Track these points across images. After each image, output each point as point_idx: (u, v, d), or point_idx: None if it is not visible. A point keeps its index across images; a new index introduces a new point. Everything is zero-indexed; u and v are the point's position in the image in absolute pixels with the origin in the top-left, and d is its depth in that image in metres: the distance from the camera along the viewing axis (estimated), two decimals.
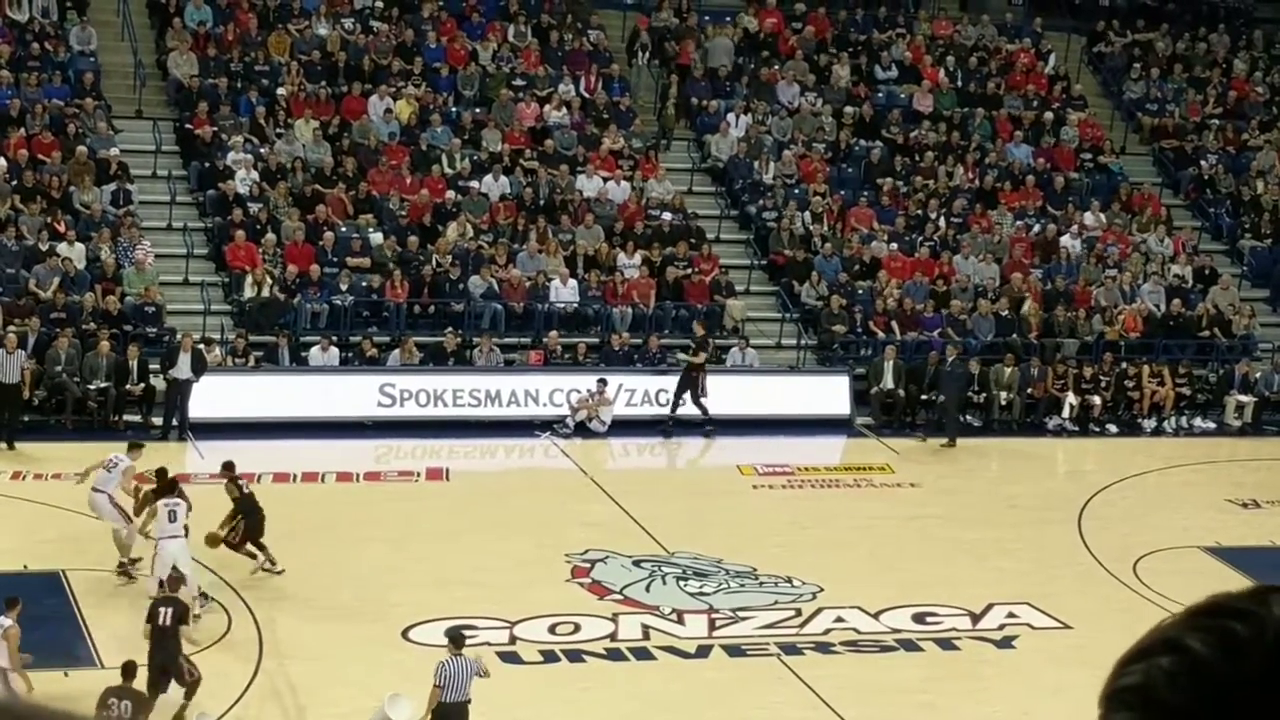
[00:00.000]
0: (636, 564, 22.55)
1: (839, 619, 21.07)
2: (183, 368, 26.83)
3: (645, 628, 20.56)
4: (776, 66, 37.35)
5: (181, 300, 29.95)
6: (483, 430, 28.69)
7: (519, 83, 35.35)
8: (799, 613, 21.27)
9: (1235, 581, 22.68)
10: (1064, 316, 33.19)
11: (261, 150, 32.26)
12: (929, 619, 21.26)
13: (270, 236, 30.44)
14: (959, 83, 38.38)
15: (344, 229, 31.25)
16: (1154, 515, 26.47)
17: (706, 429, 29.23)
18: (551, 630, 20.17)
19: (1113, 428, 31.65)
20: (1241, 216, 37.54)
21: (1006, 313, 32.93)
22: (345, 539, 22.52)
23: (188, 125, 32.47)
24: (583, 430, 28.89)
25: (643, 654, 19.86)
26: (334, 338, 29.36)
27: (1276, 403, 32.89)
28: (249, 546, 21.05)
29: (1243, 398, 32.45)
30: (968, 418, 31.15)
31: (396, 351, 29.41)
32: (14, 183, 30.28)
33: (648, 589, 21.79)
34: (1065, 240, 35.04)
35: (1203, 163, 38.27)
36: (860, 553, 23.71)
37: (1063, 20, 41.28)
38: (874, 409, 30.52)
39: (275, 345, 28.91)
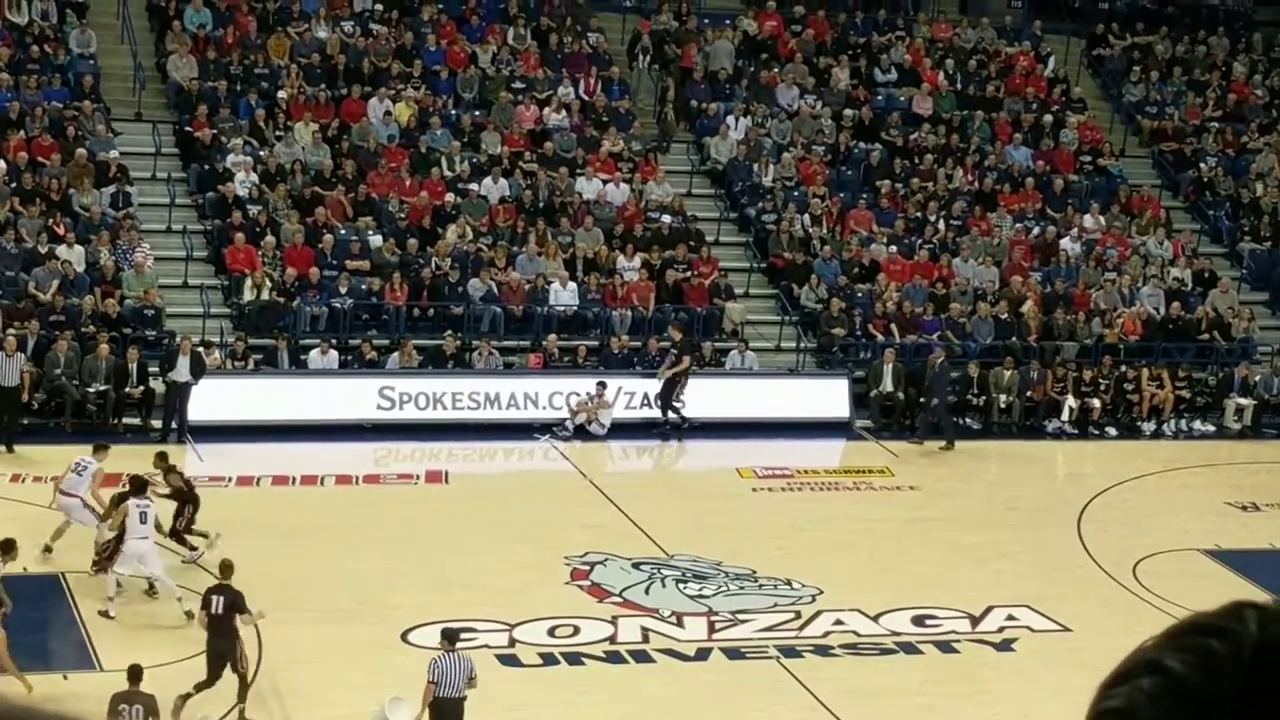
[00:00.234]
0: (636, 566, 22.55)
1: (838, 622, 21.06)
2: (182, 370, 26.83)
3: (645, 630, 20.56)
4: (776, 69, 37.36)
5: (181, 303, 29.95)
6: (482, 433, 28.68)
7: (518, 85, 35.36)
8: (798, 615, 21.27)
9: (1235, 584, 22.72)
10: (1063, 319, 33.19)
11: (261, 153, 32.26)
12: (928, 622, 21.26)
13: (270, 239, 30.43)
14: (958, 85, 38.38)
15: (343, 231, 31.26)
16: (1153, 518, 26.47)
17: (666, 428, 29.15)
18: (551, 633, 20.17)
19: (1112, 431, 31.66)
20: (1241, 219, 37.55)
21: (1006, 315, 32.93)
22: (345, 542, 22.51)
23: (187, 128, 32.47)
24: (582, 433, 28.88)
25: (642, 657, 19.86)
26: (333, 340, 29.35)
27: (1276, 406, 32.88)
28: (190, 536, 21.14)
29: (1242, 401, 32.45)
30: (966, 420, 31.18)
31: (396, 354, 29.41)
32: (13, 185, 30.27)
33: (647, 591, 21.80)
34: (1064, 243, 35.04)
35: (1202, 165, 38.28)
36: (860, 555, 23.71)
37: (1062, 23, 41.31)
38: (873, 412, 30.52)
39: (275, 348, 28.91)
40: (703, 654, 20.02)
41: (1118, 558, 24.01)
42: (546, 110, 34.92)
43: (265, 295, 29.67)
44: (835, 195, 34.81)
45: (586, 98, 35.60)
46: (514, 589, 21.21)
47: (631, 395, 29.51)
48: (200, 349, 27.64)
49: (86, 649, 18.85)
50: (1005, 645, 20.84)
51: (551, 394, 29.28)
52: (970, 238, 34.45)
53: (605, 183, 33.71)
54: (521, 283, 31.01)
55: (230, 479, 25.41)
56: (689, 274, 32.23)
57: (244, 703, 17.47)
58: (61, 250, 29.18)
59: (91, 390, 27.25)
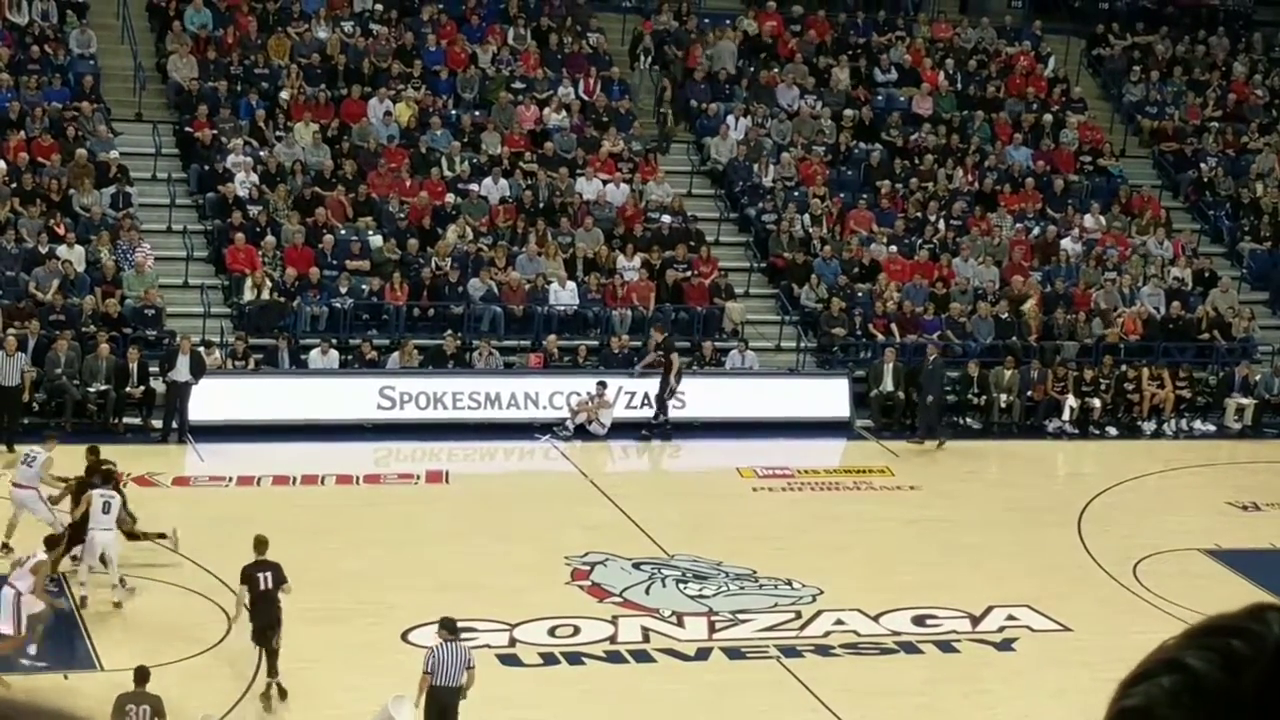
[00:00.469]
0: (636, 566, 22.56)
1: (839, 621, 21.07)
2: (181, 370, 26.84)
3: (645, 630, 20.57)
4: (776, 69, 37.36)
5: (181, 303, 29.95)
6: (482, 433, 28.69)
7: (518, 85, 35.36)
8: (799, 615, 21.27)
9: (1235, 584, 22.72)
10: (1064, 319, 33.20)
11: (261, 153, 32.27)
12: (929, 621, 21.27)
13: (270, 239, 30.43)
14: (958, 85, 38.39)
15: (343, 232, 31.26)
16: (1154, 518, 26.47)
17: (644, 431, 29.16)
18: (551, 633, 20.17)
19: (1112, 430, 31.66)
20: (1241, 219, 37.55)
21: (1006, 315, 32.94)
22: (345, 541, 22.51)
23: (187, 128, 32.47)
24: (582, 433, 28.89)
25: (642, 656, 19.86)
26: (334, 340, 29.35)
27: (1276, 405, 32.89)
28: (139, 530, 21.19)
29: (1242, 400, 32.47)
30: (966, 420, 31.20)
31: (396, 354, 29.42)
32: (14, 185, 30.28)
33: (647, 591, 21.80)
34: (1065, 243, 35.05)
35: (1202, 165, 38.28)
36: (860, 555, 23.71)
37: (1062, 23, 41.31)
38: (874, 412, 30.53)
39: (275, 348, 28.92)
40: (703, 654, 20.03)
41: (1118, 557, 24.01)
42: (546, 110, 34.93)
43: (265, 295, 29.67)
44: (835, 195, 34.81)
45: (586, 98, 35.60)
46: (514, 589, 21.21)
47: (632, 395, 29.51)
48: (200, 349, 27.66)
49: (87, 648, 18.84)
50: (1006, 645, 20.84)
51: (552, 394, 29.28)
52: (970, 238, 34.45)
53: (605, 183, 33.71)
54: (522, 283, 31.01)
55: (231, 479, 25.43)
56: (689, 274, 32.23)
57: (278, 676, 17.81)
58: (62, 250, 29.19)
59: (92, 390, 27.25)
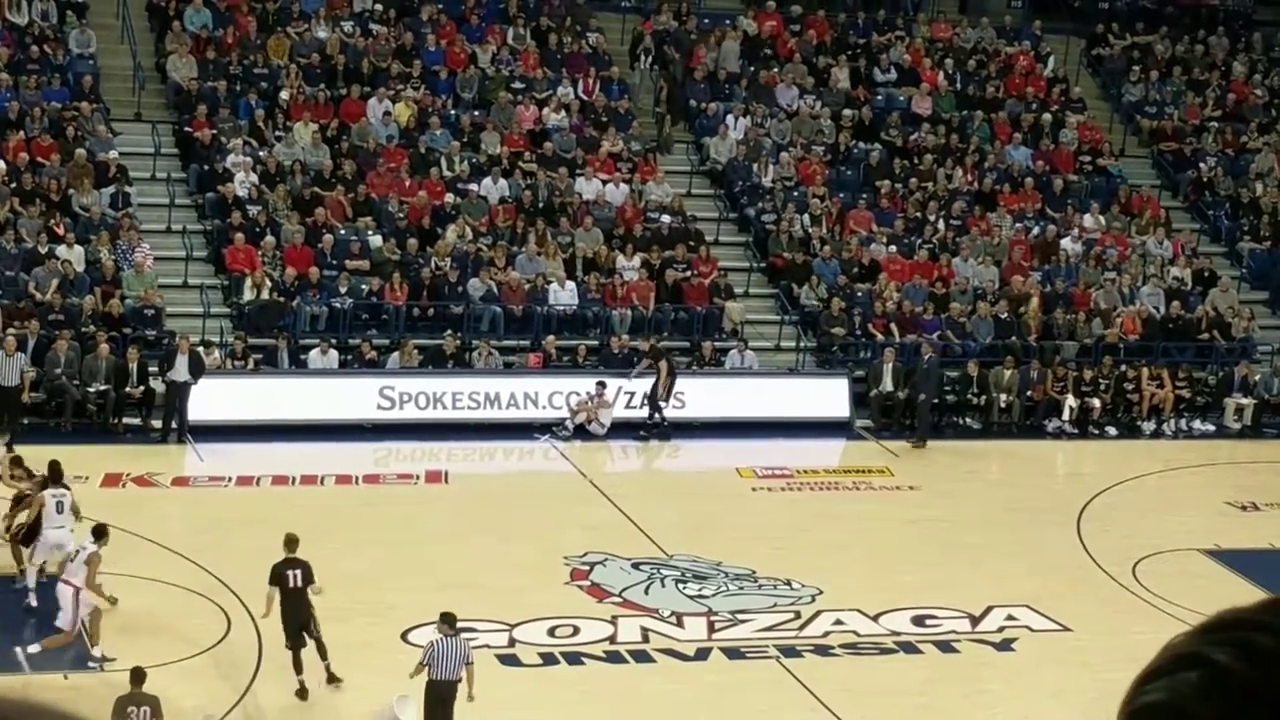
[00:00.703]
0: (636, 567, 22.55)
1: (838, 621, 21.06)
2: (180, 370, 26.84)
3: (644, 630, 20.56)
4: (775, 69, 37.37)
5: (181, 303, 29.96)
6: (482, 433, 28.69)
7: (518, 85, 35.37)
8: (798, 615, 21.27)
9: (1234, 584, 22.72)
10: (1063, 319, 33.20)
11: (260, 153, 32.27)
12: (928, 621, 21.26)
13: (269, 239, 30.44)
14: (958, 85, 38.39)
15: (343, 231, 31.26)
16: (1153, 518, 26.47)
17: (642, 432, 29.16)
18: (550, 633, 20.16)
19: (1112, 430, 31.66)
20: (1240, 219, 37.56)
21: (1006, 315, 32.94)
22: (344, 542, 22.48)
23: (187, 128, 32.48)
24: (582, 433, 28.89)
25: (642, 657, 19.86)
26: (333, 340, 29.36)
27: (1276, 405, 32.89)
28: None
29: (1242, 400, 32.47)
30: (966, 420, 31.22)
31: (396, 354, 29.42)
32: (13, 185, 30.28)
33: (647, 591, 21.80)
34: (1064, 243, 35.06)
35: (1202, 165, 38.29)
36: (859, 555, 23.71)
37: (1062, 23, 41.32)
38: (873, 411, 30.53)
39: (274, 348, 28.92)
40: (702, 654, 20.02)
41: (1118, 557, 24.01)
42: (546, 110, 34.93)
43: (265, 295, 29.67)
44: (835, 195, 34.82)
45: (586, 98, 35.61)
46: (514, 589, 21.21)
47: (631, 395, 29.51)
48: (200, 349, 27.66)
49: (86, 649, 18.83)
50: (1005, 645, 20.83)
51: (551, 394, 29.28)
52: (970, 238, 34.46)
53: (605, 183, 33.72)
54: (521, 282, 31.01)
55: (230, 479, 25.43)
56: (689, 274, 32.24)
57: (328, 659, 18.08)
58: (61, 250, 29.19)
59: (91, 390, 27.26)
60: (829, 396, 30.78)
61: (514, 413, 29.05)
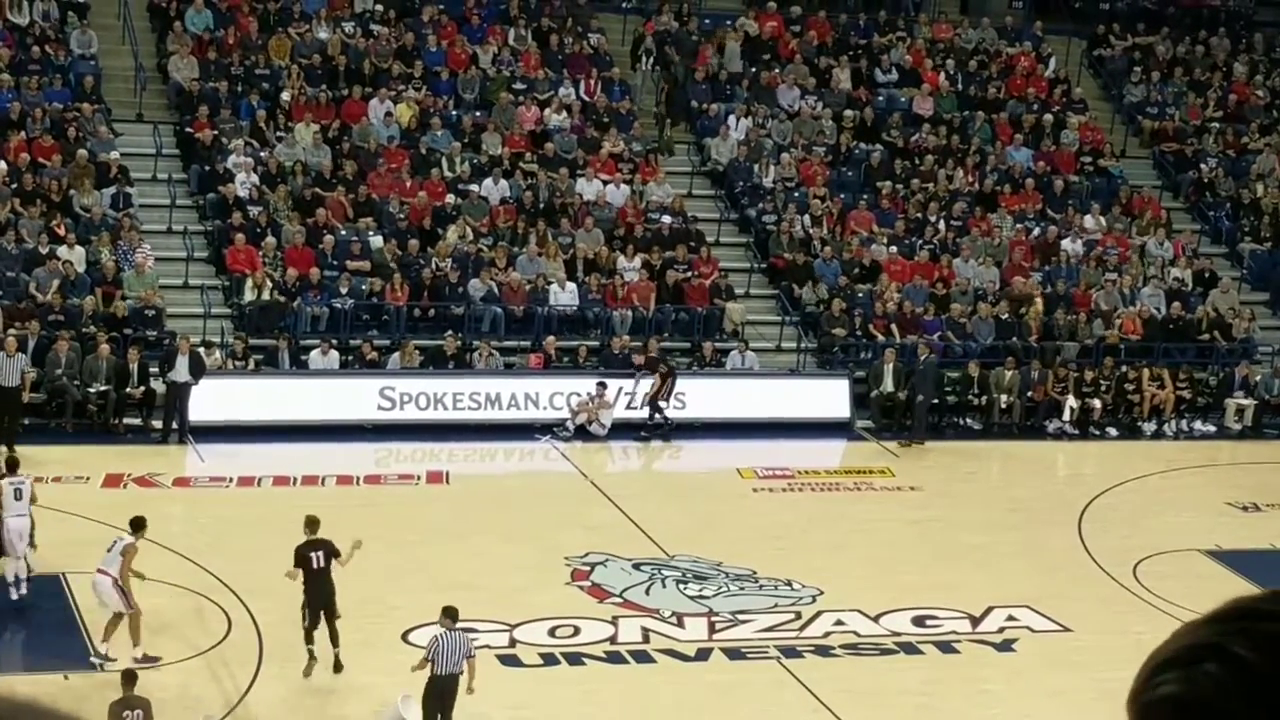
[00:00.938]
0: (636, 567, 22.56)
1: (839, 622, 21.07)
2: (181, 370, 26.84)
3: (645, 631, 20.57)
4: (777, 70, 37.37)
5: (182, 303, 29.96)
6: (483, 433, 28.69)
7: (519, 86, 35.37)
8: (799, 616, 21.27)
9: (1235, 584, 22.71)
10: (1064, 320, 33.20)
11: (262, 154, 32.27)
12: (929, 622, 21.26)
13: (270, 240, 30.44)
14: (959, 86, 38.39)
15: (344, 232, 31.26)
16: (1154, 518, 26.47)
17: (643, 433, 29.16)
18: (551, 633, 20.17)
19: (1113, 431, 31.66)
20: (1241, 220, 37.56)
21: (1006, 316, 32.94)
22: (345, 542, 22.45)
23: (188, 129, 32.48)
24: (583, 433, 28.89)
25: (643, 657, 19.86)
26: (334, 341, 29.36)
27: (1276, 406, 32.88)
28: None
29: (1243, 401, 32.47)
30: (967, 420, 31.22)
31: (396, 354, 29.42)
32: (14, 186, 30.29)
33: (648, 592, 21.80)
34: (1065, 243, 35.05)
35: (1203, 166, 38.29)
36: (860, 556, 23.71)
37: (1063, 24, 41.31)
38: (874, 412, 30.53)
39: (275, 348, 28.92)
40: (703, 654, 20.03)
41: (1118, 558, 24.01)
42: (547, 111, 34.93)
43: (266, 296, 29.68)
44: (836, 196, 34.81)
45: (587, 99, 35.61)
46: (514, 589, 21.21)
47: (631, 396, 29.51)
48: (200, 349, 27.66)
49: (87, 649, 18.83)
50: (1006, 645, 20.84)
51: (552, 394, 29.28)
52: (971, 238, 34.45)
53: (605, 183, 33.72)
54: (522, 283, 31.02)
55: (231, 479, 25.44)
56: (689, 274, 32.23)
57: (339, 648, 18.41)
58: (62, 251, 29.19)
59: (92, 391, 27.26)
60: (830, 397, 30.78)
61: (515, 413, 29.05)
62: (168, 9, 34.46)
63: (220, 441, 26.86)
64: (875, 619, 21.19)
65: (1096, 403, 31.50)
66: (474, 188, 32.89)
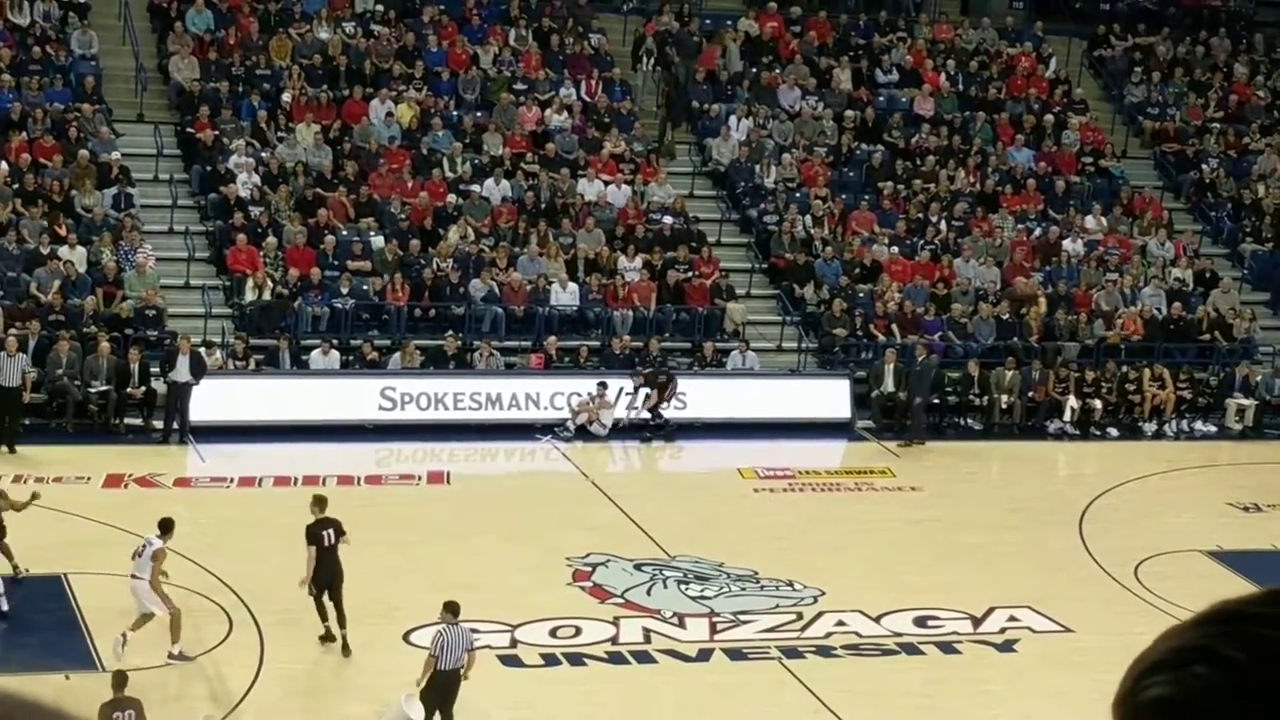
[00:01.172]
0: (638, 567, 22.55)
1: (840, 622, 21.06)
2: (181, 370, 26.85)
3: (646, 631, 20.56)
4: (777, 70, 37.37)
5: (183, 304, 29.97)
6: (484, 433, 28.69)
7: (520, 87, 35.37)
8: (800, 616, 21.26)
9: (1236, 585, 22.70)
10: (1065, 320, 33.20)
11: (263, 154, 32.29)
12: (930, 622, 21.25)
13: (271, 240, 30.45)
14: (960, 87, 38.39)
15: (345, 232, 31.27)
16: (1155, 518, 26.46)
17: (645, 433, 29.15)
18: (552, 633, 20.16)
19: (1114, 431, 31.66)
20: (1242, 220, 37.56)
21: (1008, 316, 32.95)
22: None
23: (189, 129, 32.49)
24: (583, 434, 28.88)
25: (644, 657, 19.86)
26: (335, 341, 29.37)
27: (1277, 406, 32.88)
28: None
29: (1244, 401, 32.47)
30: (968, 421, 31.22)
31: (397, 355, 29.43)
32: (15, 186, 30.30)
33: (649, 592, 21.79)
34: (1066, 244, 35.06)
35: (1204, 166, 38.29)
36: (861, 556, 23.70)
37: (1064, 24, 41.30)
38: (875, 412, 30.53)
39: (276, 348, 28.93)
40: (704, 655, 20.02)
41: (1119, 558, 24.00)
42: (548, 111, 34.94)
43: (267, 296, 29.69)
44: (837, 196, 34.82)
45: (588, 99, 35.61)
46: (516, 590, 21.21)
47: (632, 397, 29.49)
48: (201, 349, 27.67)
49: (88, 649, 18.84)
50: (1007, 646, 20.83)
51: (553, 394, 29.28)
52: (972, 239, 34.46)
53: (607, 184, 33.72)
54: (523, 283, 31.02)
55: (232, 480, 25.44)
56: (690, 275, 32.24)
57: (346, 629, 18.89)
58: (63, 251, 29.20)
59: (93, 391, 27.26)
60: (830, 397, 30.78)
61: (515, 413, 29.05)
62: (168, 9, 34.47)
63: (221, 442, 26.86)
64: (876, 619, 21.18)
65: (1097, 403, 31.50)
66: (475, 188, 32.89)
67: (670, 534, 23.81)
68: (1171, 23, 42.01)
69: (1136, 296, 34.36)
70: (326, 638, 19.06)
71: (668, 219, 33.20)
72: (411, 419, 28.59)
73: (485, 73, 35.47)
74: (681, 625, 20.81)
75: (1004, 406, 31.03)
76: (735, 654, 20.09)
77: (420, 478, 26.50)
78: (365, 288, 30.39)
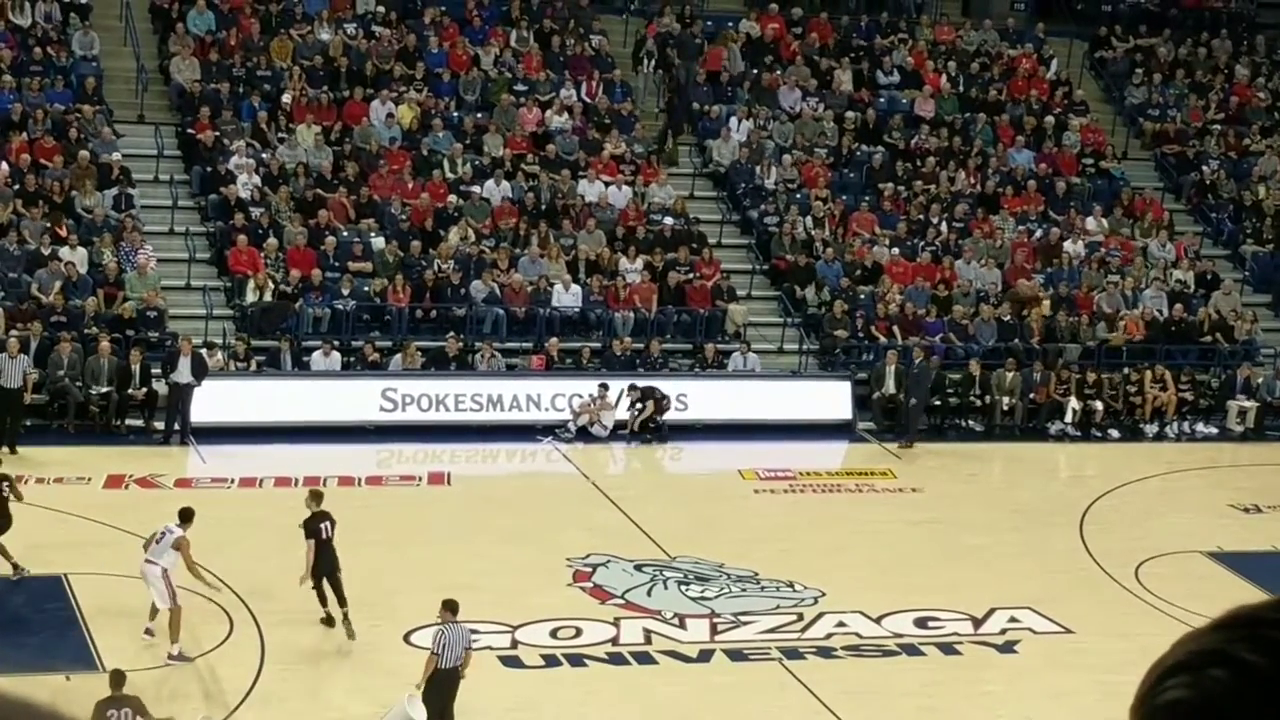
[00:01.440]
0: (638, 568, 22.55)
1: (841, 624, 21.05)
2: (183, 372, 26.85)
3: (647, 632, 20.56)
4: (778, 71, 37.37)
5: (184, 305, 29.98)
6: (485, 435, 28.69)
7: (521, 88, 35.38)
8: (801, 617, 21.26)
9: (1237, 586, 22.71)
10: (1066, 321, 33.20)
11: (263, 155, 32.29)
12: (931, 623, 21.25)
13: (272, 241, 30.46)
14: (961, 88, 38.39)
15: (346, 234, 31.28)
16: (1156, 520, 26.46)
17: (647, 434, 29.15)
18: (553, 634, 20.16)
19: (1115, 433, 31.65)
20: (1243, 221, 37.56)
21: (1009, 317, 32.94)
22: (347, 543, 22.40)
23: (190, 130, 32.50)
24: (584, 435, 28.89)
25: (644, 658, 19.86)
26: (336, 342, 29.37)
27: (1278, 408, 32.87)
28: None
29: (1245, 403, 32.46)
30: (969, 422, 31.22)
31: (398, 356, 29.42)
32: (16, 187, 30.30)
33: (649, 593, 21.79)
34: (1067, 245, 35.05)
35: (1204, 168, 38.28)
36: (862, 557, 23.70)
37: (1065, 25, 41.30)
38: (876, 414, 30.52)
39: (277, 349, 28.93)
40: (705, 656, 20.02)
41: (1120, 560, 24.00)
42: (549, 112, 34.95)
43: (268, 297, 29.69)
44: (838, 197, 34.82)
45: (589, 100, 35.61)
46: (516, 590, 21.21)
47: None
48: (202, 350, 27.67)
49: (89, 649, 18.84)
50: (1008, 647, 20.82)
51: (554, 396, 29.28)
52: (973, 240, 34.46)
53: (607, 185, 33.72)
54: (524, 284, 31.02)
55: (233, 480, 25.45)
56: (691, 276, 32.24)
57: (347, 607, 19.39)
58: (64, 252, 29.21)
59: (94, 392, 27.26)
60: (831, 399, 30.78)
61: (516, 415, 29.06)
62: (169, 10, 34.49)
63: (222, 443, 26.86)
64: (877, 620, 21.17)
65: (1098, 404, 31.49)
66: (476, 189, 32.90)
67: (671, 535, 23.81)
68: (1172, 24, 42.01)
69: (1138, 298, 34.35)
70: (326, 621, 19.41)
71: (668, 220, 33.20)
72: (413, 420, 28.59)
73: (486, 74, 35.48)
74: (682, 626, 20.81)
75: (1005, 408, 31.03)
76: (736, 655, 20.09)
77: (421, 479, 26.51)
78: (366, 289, 30.40)
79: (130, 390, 27.44)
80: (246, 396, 28.01)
